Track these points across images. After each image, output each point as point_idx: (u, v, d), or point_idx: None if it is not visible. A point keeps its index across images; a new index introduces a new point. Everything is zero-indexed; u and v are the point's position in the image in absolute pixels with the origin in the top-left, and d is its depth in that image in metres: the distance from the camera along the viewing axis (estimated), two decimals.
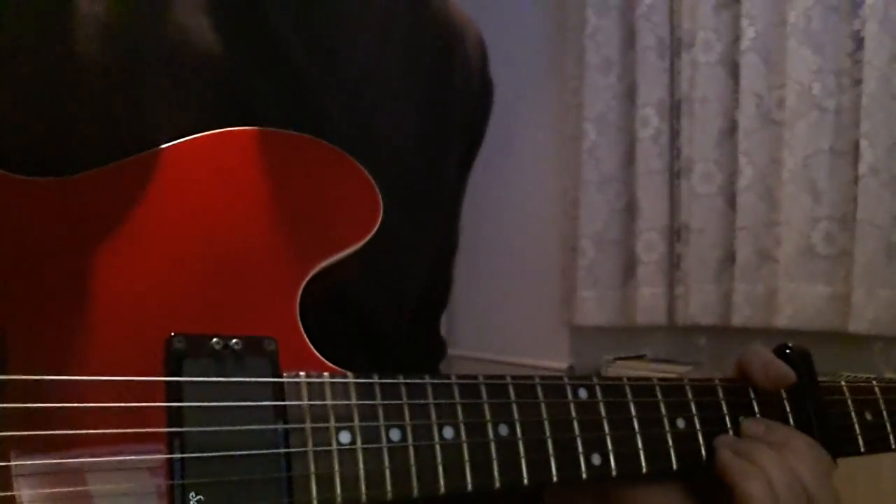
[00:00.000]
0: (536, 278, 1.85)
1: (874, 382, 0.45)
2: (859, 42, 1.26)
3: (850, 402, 0.44)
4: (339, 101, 0.39)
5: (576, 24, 1.69)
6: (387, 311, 0.43)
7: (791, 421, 0.42)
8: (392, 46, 0.45)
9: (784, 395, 0.42)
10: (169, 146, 0.32)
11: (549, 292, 1.80)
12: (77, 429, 0.28)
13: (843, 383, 0.44)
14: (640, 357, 1.62)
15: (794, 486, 0.37)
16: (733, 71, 1.43)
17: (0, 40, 0.31)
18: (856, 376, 0.47)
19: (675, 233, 1.55)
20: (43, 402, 0.27)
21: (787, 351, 0.42)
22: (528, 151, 1.85)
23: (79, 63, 0.32)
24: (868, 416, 0.44)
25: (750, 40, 1.37)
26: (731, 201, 1.44)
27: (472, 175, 0.53)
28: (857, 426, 0.43)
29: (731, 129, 1.44)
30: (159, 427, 0.29)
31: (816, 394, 0.42)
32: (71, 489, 0.27)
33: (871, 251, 1.23)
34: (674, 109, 1.54)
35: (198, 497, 0.29)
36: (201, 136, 0.33)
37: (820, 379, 0.42)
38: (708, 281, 1.46)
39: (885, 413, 0.44)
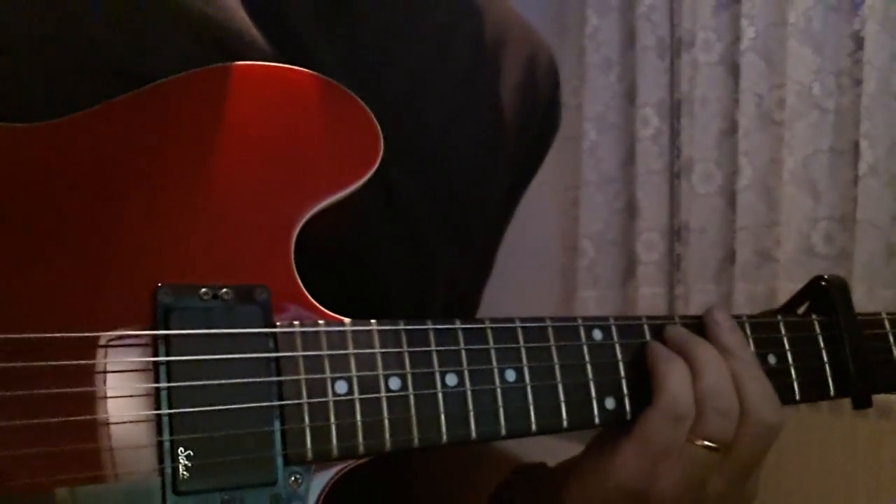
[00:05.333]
0: (536, 278, 1.84)
1: None
2: (859, 42, 1.26)
3: (891, 335, 0.42)
4: (382, 117, 0.38)
5: (576, 24, 1.69)
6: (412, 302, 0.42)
7: (824, 356, 0.40)
8: (452, 62, 0.43)
9: (818, 329, 0.40)
10: (155, 85, 0.31)
11: (549, 292, 1.79)
12: (61, 387, 0.27)
13: (883, 316, 0.42)
14: None
15: (726, 387, 0.34)
16: (733, 71, 1.43)
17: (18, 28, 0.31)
18: None
19: (675, 233, 1.55)
20: (24, 361, 0.26)
21: (823, 283, 0.40)
22: None
23: (94, 39, 0.31)
24: None
25: (750, 40, 1.37)
26: (731, 201, 1.44)
27: None
28: None
29: (731, 129, 1.44)
30: (147, 383, 0.28)
31: (853, 327, 0.40)
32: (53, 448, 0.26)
33: (871, 251, 1.23)
34: (674, 109, 1.54)
35: (187, 452, 0.28)
36: (188, 74, 0.31)
37: (858, 312, 0.40)
38: (708, 281, 1.46)
39: None
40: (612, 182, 1.64)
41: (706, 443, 0.34)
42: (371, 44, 0.39)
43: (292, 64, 0.34)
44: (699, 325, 0.38)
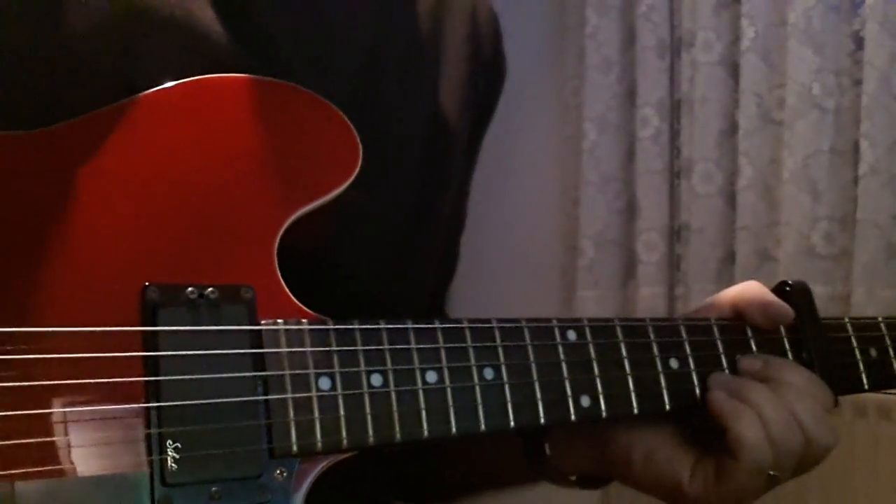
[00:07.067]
0: (536, 278, 1.85)
1: (880, 319, 0.44)
2: (859, 42, 1.26)
3: (854, 338, 0.43)
4: (340, 94, 0.39)
5: (576, 24, 1.69)
6: (398, 301, 0.43)
7: (790, 357, 0.41)
8: (395, 26, 0.45)
9: (783, 332, 0.41)
10: (145, 94, 0.32)
11: (549, 292, 1.79)
12: (52, 381, 0.28)
13: (846, 320, 0.43)
14: None
15: (791, 426, 0.36)
16: (733, 71, 1.43)
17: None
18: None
19: (675, 233, 1.55)
20: (16, 354, 0.27)
21: (787, 288, 0.41)
22: (528, 151, 1.85)
23: (76, 34, 0.33)
24: (873, 353, 0.43)
25: (750, 40, 1.37)
26: (731, 201, 1.44)
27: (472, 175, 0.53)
28: (861, 363, 0.42)
29: (731, 129, 1.44)
30: (136, 378, 0.29)
31: (818, 330, 0.41)
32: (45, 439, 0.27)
33: (871, 251, 1.23)
34: (674, 109, 1.54)
35: (175, 445, 0.29)
36: (177, 84, 0.33)
37: (822, 316, 0.41)
38: (708, 281, 1.46)
39: (890, 350, 0.44)
40: (612, 182, 1.64)
41: (772, 472, 0.35)
42: (326, 19, 0.41)
43: (255, 53, 0.35)
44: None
